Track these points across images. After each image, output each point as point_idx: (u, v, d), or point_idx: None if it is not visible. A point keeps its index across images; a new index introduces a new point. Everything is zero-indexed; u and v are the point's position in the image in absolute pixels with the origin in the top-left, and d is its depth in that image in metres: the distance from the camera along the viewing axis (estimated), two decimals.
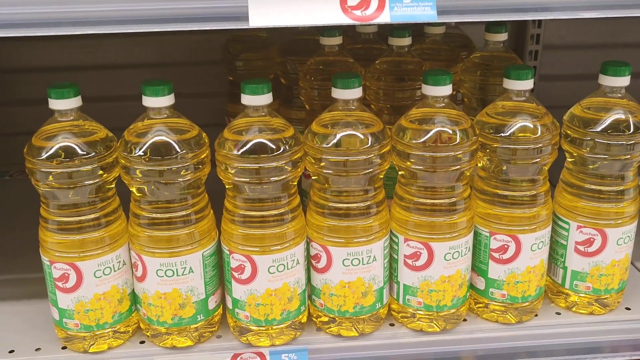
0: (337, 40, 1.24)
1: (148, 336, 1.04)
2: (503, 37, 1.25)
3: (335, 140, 0.95)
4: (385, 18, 0.85)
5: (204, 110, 1.63)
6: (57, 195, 0.94)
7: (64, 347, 1.03)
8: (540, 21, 1.65)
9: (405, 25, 1.21)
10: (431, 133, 0.95)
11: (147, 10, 0.83)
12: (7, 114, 1.67)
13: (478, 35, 1.31)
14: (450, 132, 0.95)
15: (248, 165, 0.92)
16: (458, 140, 0.95)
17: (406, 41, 1.21)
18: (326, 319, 1.05)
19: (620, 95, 1.01)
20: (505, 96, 1.02)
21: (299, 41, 1.41)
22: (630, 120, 0.99)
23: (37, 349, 1.04)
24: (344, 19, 0.84)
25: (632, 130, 0.99)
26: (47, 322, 1.06)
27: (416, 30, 1.27)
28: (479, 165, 1.04)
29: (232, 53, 1.47)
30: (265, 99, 0.94)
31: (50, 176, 0.92)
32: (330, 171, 0.96)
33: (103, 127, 0.98)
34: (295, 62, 1.37)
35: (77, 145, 0.93)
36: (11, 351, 1.03)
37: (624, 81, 0.99)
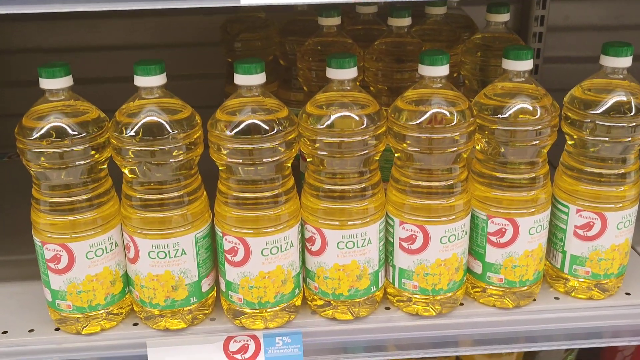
0: (335, 21, 1.22)
1: (141, 318, 1.04)
2: (505, 17, 1.22)
3: (329, 121, 0.93)
4: None
5: (203, 91, 1.62)
6: (48, 175, 0.93)
7: (57, 329, 1.03)
8: (544, 2, 1.62)
9: (406, 5, 1.20)
10: (427, 114, 0.94)
11: None
12: (4, 95, 1.67)
13: (480, 15, 1.29)
14: (447, 113, 0.94)
15: (241, 146, 0.91)
16: (455, 122, 0.93)
17: (406, 22, 1.19)
18: (321, 302, 1.04)
19: (621, 76, 0.99)
20: (504, 77, 1.00)
21: (298, 22, 1.39)
22: (632, 101, 0.97)
23: (31, 330, 1.03)
24: None
25: (633, 112, 0.96)
26: (41, 304, 1.05)
27: (417, 10, 1.25)
28: (476, 147, 1.02)
29: (231, 34, 1.45)
30: (258, 78, 0.92)
31: (42, 157, 0.91)
32: (325, 152, 0.94)
33: (95, 107, 0.97)
34: (294, 43, 1.35)
35: (68, 125, 0.92)
36: (4, 332, 1.03)
37: (626, 62, 0.97)
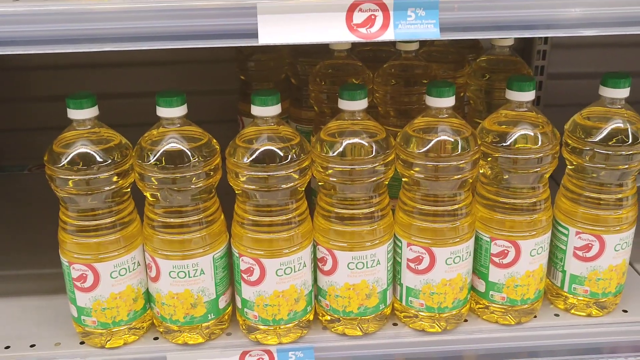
0: (346, 45, 1.26)
1: (161, 332, 1.09)
2: (509, 42, 1.27)
3: (340, 150, 0.98)
4: (389, 36, 0.88)
5: (217, 106, 1.68)
6: (75, 200, 0.99)
7: (82, 342, 1.09)
8: None
9: None
10: (434, 143, 0.99)
11: (159, 27, 0.86)
12: (25, 110, 1.72)
13: None
14: (453, 142, 0.99)
15: (257, 173, 0.96)
16: (460, 151, 0.98)
17: (413, 46, 1.24)
18: (332, 318, 1.09)
19: (620, 105, 1.03)
20: (507, 105, 1.05)
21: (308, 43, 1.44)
22: (629, 130, 1.02)
23: (57, 344, 1.09)
24: (349, 37, 0.88)
25: (630, 140, 1.01)
26: (66, 317, 1.11)
27: None
28: (480, 171, 1.07)
29: (244, 53, 1.50)
30: (274, 110, 0.98)
31: (70, 182, 0.97)
32: (336, 179, 1.00)
33: (118, 134, 1.02)
34: (305, 64, 1.40)
35: (94, 154, 0.97)
36: (32, 345, 1.09)
37: (624, 93, 1.02)
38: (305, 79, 1.36)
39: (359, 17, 0.87)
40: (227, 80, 1.65)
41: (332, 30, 0.88)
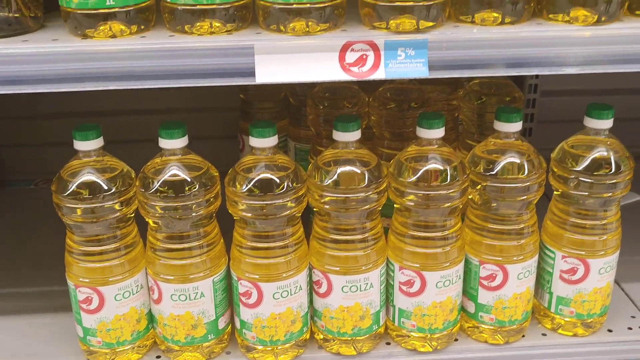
0: None
1: (163, 351, 1.14)
2: None
3: (335, 180, 1.02)
4: (380, 74, 0.92)
5: (218, 123, 1.72)
6: (81, 226, 1.03)
7: None
8: None
9: None
10: (424, 173, 1.03)
11: (161, 67, 0.91)
12: (32, 126, 1.76)
13: None
14: (442, 172, 1.03)
15: (255, 203, 1.01)
16: (449, 180, 1.02)
17: None
18: (327, 338, 1.13)
19: (604, 135, 1.07)
20: (496, 135, 1.09)
21: None
22: (612, 159, 1.06)
23: None
24: (343, 76, 0.92)
25: (614, 169, 1.05)
26: (72, 335, 1.15)
27: None
28: (470, 197, 1.11)
29: None
30: (271, 141, 1.02)
31: (77, 210, 1.01)
32: (330, 207, 1.04)
33: (122, 163, 1.06)
34: (304, 85, 1.44)
35: (99, 183, 1.01)
36: None
37: (607, 124, 1.06)
38: (304, 99, 1.40)
39: (351, 57, 0.92)
40: (228, 97, 1.68)
41: (326, 69, 0.92)
